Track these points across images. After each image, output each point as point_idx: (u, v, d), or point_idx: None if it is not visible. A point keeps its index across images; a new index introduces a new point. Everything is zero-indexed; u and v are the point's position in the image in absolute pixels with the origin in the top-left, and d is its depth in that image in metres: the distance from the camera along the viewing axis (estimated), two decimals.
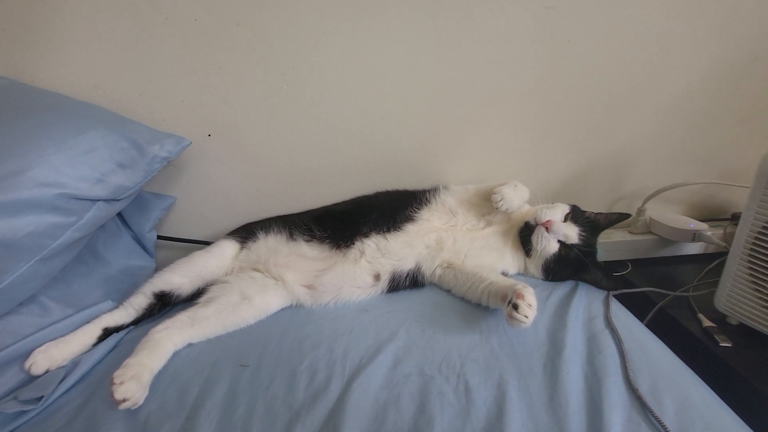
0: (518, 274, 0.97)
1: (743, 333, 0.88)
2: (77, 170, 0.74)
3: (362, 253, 0.93)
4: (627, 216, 1.02)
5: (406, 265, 0.93)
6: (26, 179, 0.68)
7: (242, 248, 0.96)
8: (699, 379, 0.73)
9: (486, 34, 1.01)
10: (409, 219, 0.97)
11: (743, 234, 0.84)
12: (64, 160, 0.73)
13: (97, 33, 0.90)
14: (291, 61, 0.97)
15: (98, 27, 0.89)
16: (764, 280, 0.82)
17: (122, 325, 0.82)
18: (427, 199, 1.01)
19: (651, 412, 0.63)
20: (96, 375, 0.73)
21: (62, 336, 0.76)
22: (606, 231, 1.03)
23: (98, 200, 0.78)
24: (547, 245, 0.90)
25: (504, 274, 0.94)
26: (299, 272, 0.91)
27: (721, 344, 0.86)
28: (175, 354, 0.75)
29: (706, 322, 0.91)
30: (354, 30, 0.97)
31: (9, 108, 0.78)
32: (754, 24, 1.10)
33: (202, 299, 0.85)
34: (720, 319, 0.92)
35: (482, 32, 1.00)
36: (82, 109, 0.87)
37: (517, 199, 0.93)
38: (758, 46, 1.13)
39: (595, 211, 0.99)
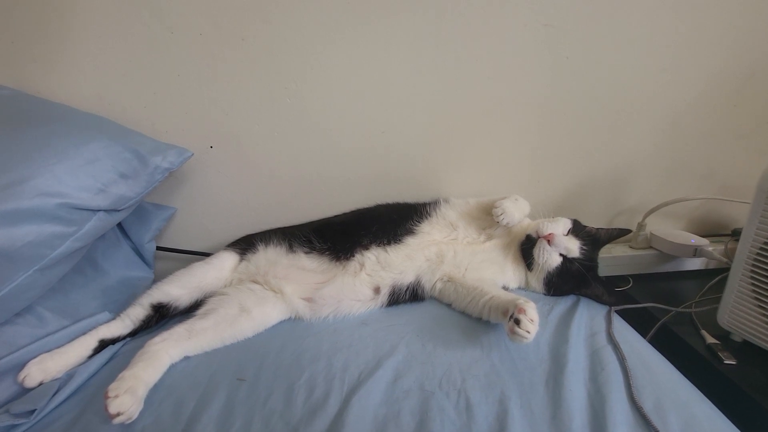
0: (519, 288, 0.97)
1: (747, 350, 0.87)
2: (79, 180, 0.74)
3: (362, 265, 0.92)
4: (628, 231, 1.02)
5: (407, 278, 0.92)
6: (28, 188, 0.68)
7: (242, 260, 0.96)
8: (704, 396, 0.72)
9: (486, 50, 1.02)
10: (410, 232, 0.97)
11: (744, 250, 0.84)
12: (67, 169, 0.73)
13: (104, 46, 0.91)
14: (295, 75, 0.99)
15: (105, 40, 0.91)
16: (767, 297, 0.81)
17: (119, 337, 0.81)
18: (427, 212, 1.01)
19: (656, 430, 0.62)
20: (91, 388, 0.71)
21: (58, 347, 0.75)
22: (607, 246, 1.03)
23: (99, 210, 0.78)
24: (549, 258, 0.89)
25: (505, 288, 0.94)
26: (299, 285, 0.90)
27: (725, 361, 0.85)
28: (172, 367, 0.74)
29: (710, 339, 0.90)
30: (357, 45, 0.98)
31: (14, 118, 0.79)
32: (750, 42, 1.12)
33: (200, 311, 0.85)
34: (723, 335, 0.91)
35: (482, 48, 1.02)
36: (86, 119, 0.88)
37: (517, 212, 0.93)
38: (754, 63, 1.14)
39: (596, 226, 0.99)
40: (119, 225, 0.99)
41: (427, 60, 1.02)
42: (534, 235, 0.92)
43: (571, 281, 0.91)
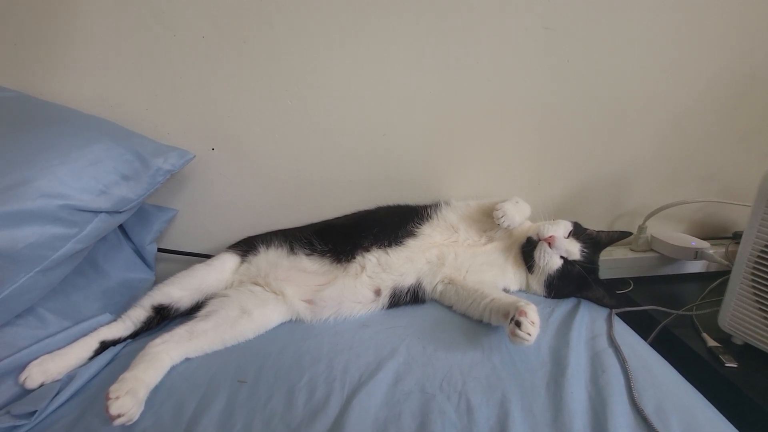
0: (520, 290, 0.97)
1: (749, 353, 0.87)
2: (81, 182, 0.75)
3: (363, 267, 0.92)
4: (628, 234, 1.02)
5: (407, 280, 0.92)
6: (30, 190, 0.68)
7: (243, 262, 0.96)
8: (705, 399, 0.72)
9: (487, 53, 1.03)
10: (411, 234, 0.97)
11: (745, 253, 0.84)
12: (69, 171, 0.74)
13: (107, 48, 0.92)
14: (296, 77, 0.99)
15: (108, 42, 0.91)
16: None
17: (120, 339, 0.81)
18: (428, 214, 1.01)
19: None
20: (91, 389, 0.71)
21: (59, 349, 0.75)
22: (608, 249, 1.02)
23: (101, 212, 0.78)
24: (550, 261, 0.89)
25: (505, 290, 0.94)
26: (299, 286, 0.90)
27: (727, 364, 0.84)
28: (173, 368, 0.74)
29: (711, 342, 0.90)
30: (357, 47, 0.98)
31: (17, 120, 0.79)
32: (750, 44, 1.12)
33: (201, 313, 0.85)
34: (725, 338, 0.91)
35: (484, 51, 1.02)
36: (89, 121, 0.88)
37: (518, 215, 0.93)
38: (755, 65, 1.15)
39: (597, 229, 0.99)
40: (121, 227, 0.99)
41: (428, 62, 1.02)
42: (535, 237, 0.92)
43: (571, 284, 0.91)
